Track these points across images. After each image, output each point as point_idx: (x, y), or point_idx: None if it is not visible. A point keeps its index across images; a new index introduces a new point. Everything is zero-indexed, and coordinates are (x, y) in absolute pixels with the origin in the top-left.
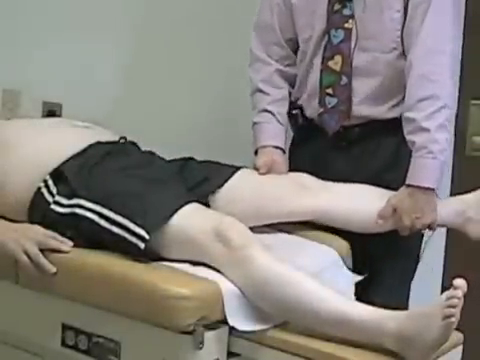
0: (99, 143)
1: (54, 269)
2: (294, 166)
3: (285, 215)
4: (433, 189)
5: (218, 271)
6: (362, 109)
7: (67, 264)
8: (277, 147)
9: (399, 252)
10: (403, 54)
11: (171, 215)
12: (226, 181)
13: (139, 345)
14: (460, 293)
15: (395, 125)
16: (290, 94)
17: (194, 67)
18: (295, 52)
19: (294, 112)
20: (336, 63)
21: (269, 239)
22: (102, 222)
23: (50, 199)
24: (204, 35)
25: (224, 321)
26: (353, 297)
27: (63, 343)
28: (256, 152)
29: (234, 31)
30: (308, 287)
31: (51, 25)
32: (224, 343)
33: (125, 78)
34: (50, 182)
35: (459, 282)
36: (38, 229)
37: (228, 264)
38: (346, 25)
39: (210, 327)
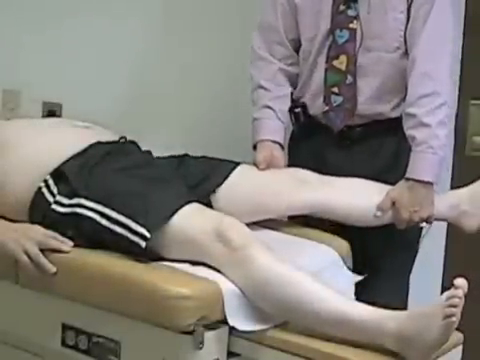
0: (99, 143)
1: (54, 269)
2: (293, 162)
3: (284, 209)
4: (432, 183)
5: (218, 271)
6: (367, 108)
7: (67, 264)
8: (276, 142)
9: (398, 245)
10: (406, 53)
11: (171, 215)
12: (226, 178)
13: (139, 345)
14: (461, 293)
15: (396, 124)
16: (291, 93)
17: (194, 67)
18: (297, 51)
19: (297, 110)
20: (341, 62)
21: (269, 239)
22: (103, 221)
23: (51, 199)
24: (204, 35)
25: (224, 321)
26: (353, 297)
27: (63, 343)
28: (254, 147)
29: (234, 31)
30: (309, 287)
31: (51, 25)
32: (224, 343)
33: (125, 78)
34: (51, 182)
35: (460, 282)
36: (38, 229)
37: (228, 264)
38: (351, 25)
39: (210, 327)
